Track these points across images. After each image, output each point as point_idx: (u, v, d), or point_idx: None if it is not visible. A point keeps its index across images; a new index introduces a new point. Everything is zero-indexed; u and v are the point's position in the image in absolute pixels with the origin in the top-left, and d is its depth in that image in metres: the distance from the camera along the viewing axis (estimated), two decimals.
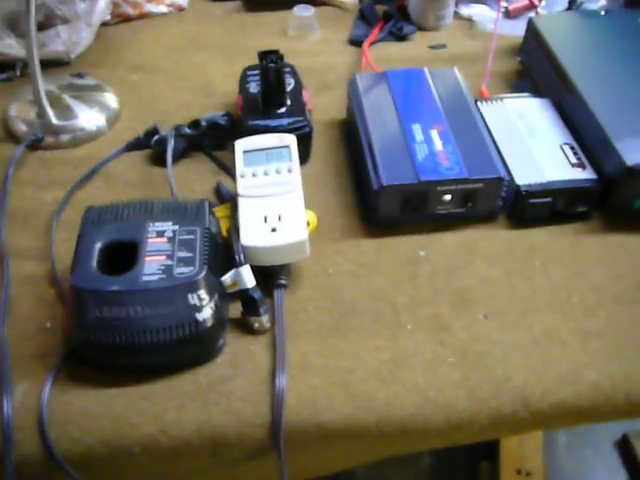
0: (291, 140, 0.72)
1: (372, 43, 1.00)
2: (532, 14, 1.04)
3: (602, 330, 0.65)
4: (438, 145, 0.73)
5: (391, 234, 0.73)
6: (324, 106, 0.89)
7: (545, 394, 0.60)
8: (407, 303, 0.67)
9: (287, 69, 0.83)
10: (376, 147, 0.73)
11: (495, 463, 1.36)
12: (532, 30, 0.90)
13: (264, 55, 0.77)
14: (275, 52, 0.77)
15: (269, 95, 0.78)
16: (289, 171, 0.69)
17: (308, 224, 0.68)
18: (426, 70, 0.84)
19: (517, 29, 0.99)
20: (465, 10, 1.07)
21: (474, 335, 0.64)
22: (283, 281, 0.67)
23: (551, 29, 0.88)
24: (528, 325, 0.65)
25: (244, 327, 0.64)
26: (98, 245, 0.62)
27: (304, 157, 0.79)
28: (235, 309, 0.65)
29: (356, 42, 1.01)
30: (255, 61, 0.79)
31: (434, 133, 0.75)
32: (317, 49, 1.01)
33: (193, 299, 0.58)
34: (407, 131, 0.75)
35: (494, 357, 0.62)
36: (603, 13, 0.91)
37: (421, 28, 1.04)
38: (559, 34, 0.87)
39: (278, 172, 0.69)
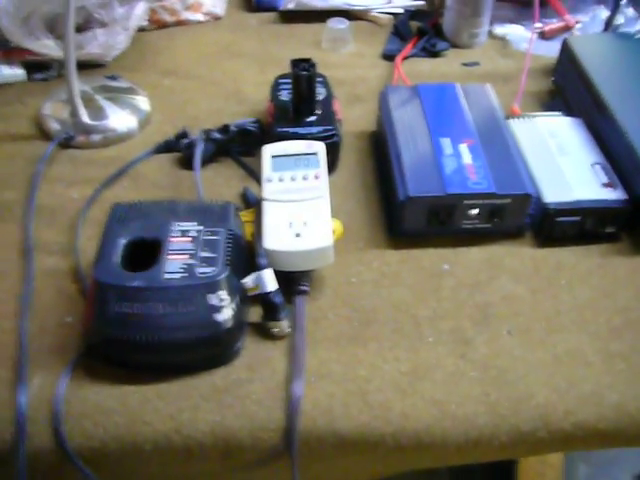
0: (319, 147, 0.72)
1: (405, 58, 1.00)
2: (567, 35, 1.04)
3: (628, 352, 0.63)
4: (467, 159, 0.73)
5: (415, 246, 0.73)
6: (354, 118, 0.89)
7: (567, 414, 0.59)
8: (429, 316, 0.66)
9: (319, 79, 0.83)
10: (404, 158, 0.73)
11: None
12: (567, 50, 0.89)
13: (296, 63, 0.77)
14: (307, 60, 0.77)
15: (300, 103, 0.79)
16: (316, 177, 0.69)
17: (333, 232, 0.67)
18: (458, 85, 0.84)
19: (552, 50, 0.98)
20: (499, 29, 1.07)
21: (496, 351, 0.63)
22: (305, 287, 0.66)
23: (586, 50, 0.87)
24: (552, 344, 0.64)
25: (263, 332, 0.64)
26: (122, 241, 0.62)
27: (332, 166, 0.79)
28: (255, 313, 0.64)
29: (389, 57, 1.01)
30: (288, 71, 0.80)
31: (463, 147, 0.74)
32: (350, 62, 1.02)
33: (213, 299, 0.58)
34: (436, 144, 0.75)
35: (516, 374, 0.61)
36: (639, 36, 0.90)
37: (455, 45, 1.04)
38: (594, 55, 0.87)
39: (305, 178, 0.69)
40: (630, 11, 1.04)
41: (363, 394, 0.60)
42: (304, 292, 0.66)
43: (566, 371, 0.61)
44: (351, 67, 1.00)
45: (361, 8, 1.09)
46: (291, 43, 1.05)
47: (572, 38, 0.91)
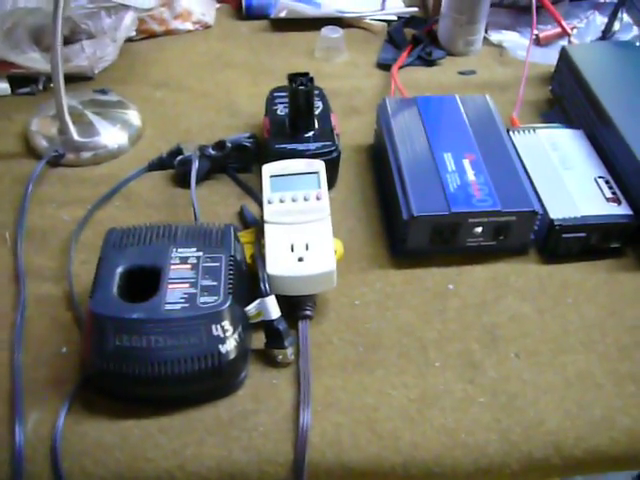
0: (320, 166, 0.70)
1: (400, 67, 0.98)
2: (562, 42, 1.03)
3: (638, 373, 0.62)
4: (470, 175, 0.71)
5: (419, 265, 0.71)
6: (351, 130, 0.88)
7: (579, 440, 0.57)
8: (435, 338, 0.65)
9: (315, 91, 0.81)
10: (406, 175, 0.71)
11: None
12: (565, 59, 0.88)
13: (294, 77, 0.75)
14: (305, 74, 0.75)
15: (297, 118, 0.77)
16: (317, 198, 0.67)
17: (335, 253, 0.66)
18: (457, 97, 0.82)
19: (547, 57, 0.98)
20: (495, 36, 1.05)
21: (505, 374, 0.62)
22: (308, 312, 0.64)
23: (585, 59, 0.86)
24: (561, 366, 0.63)
25: (267, 358, 0.62)
26: (119, 270, 0.59)
27: (331, 182, 0.77)
28: (257, 339, 0.63)
29: (384, 66, 0.99)
30: (281, 82, 0.78)
31: (466, 162, 0.73)
32: (344, 72, 1.00)
33: (217, 330, 0.56)
34: (438, 160, 0.73)
35: (526, 399, 0.60)
36: (638, 44, 0.89)
37: (450, 53, 1.02)
38: (593, 64, 0.85)
39: (306, 199, 0.67)
40: (625, 17, 1.03)
41: (371, 423, 0.58)
42: (308, 317, 0.64)
43: (576, 395, 0.60)
44: (346, 77, 0.98)
45: (354, 15, 1.07)
46: (283, 52, 1.03)
47: (570, 47, 0.90)
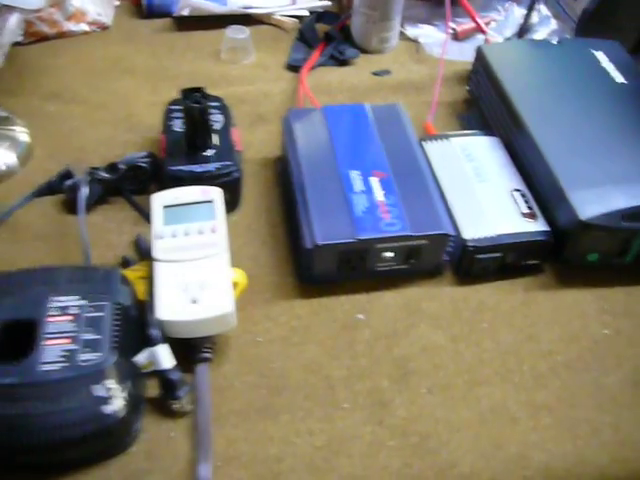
0: (216, 194, 0.64)
1: (312, 68, 0.93)
2: (481, 36, 0.99)
3: (553, 403, 0.60)
4: (379, 195, 0.67)
5: (327, 293, 0.67)
6: (257, 142, 0.82)
7: None
8: (344, 376, 0.61)
9: (216, 104, 0.76)
10: (310, 198, 0.67)
11: None
12: (481, 59, 0.84)
13: (187, 93, 0.69)
14: (199, 90, 0.70)
15: (194, 136, 0.71)
16: (213, 231, 0.62)
17: (236, 285, 0.61)
18: (367, 106, 0.77)
19: (465, 54, 0.94)
20: (411, 31, 1.00)
21: (416, 413, 0.59)
22: (207, 354, 0.60)
23: (500, 60, 0.82)
24: (475, 399, 0.60)
25: (163, 407, 0.57)
26: None
27: (233, 204, 0.72)
28: (153, 386, 0.58)
29: (294, 67, 0.93)
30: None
31: (374, 181, 0.68)
32: (252, 75, 0.93)
33: (99, 391, 0.51)
34: (345, 179, 0.68)
35: (438, 439, 0.57)
36: (555, 42, 0.85)
37: (364, 51, 0.97)
38: (510, 66, 0.82)
39: (201, 232, 0.62)
40: (543, 9, 1.00)
41: (275, 477, 0.54)
42: (206, 359, 0.60)
43: (491, 431, 0.58)
44: (253, 81, 0.92)
45: (263, 11, 1.01)
46: (188, 55, 0.96)
47: (486, 47, 0.86)
